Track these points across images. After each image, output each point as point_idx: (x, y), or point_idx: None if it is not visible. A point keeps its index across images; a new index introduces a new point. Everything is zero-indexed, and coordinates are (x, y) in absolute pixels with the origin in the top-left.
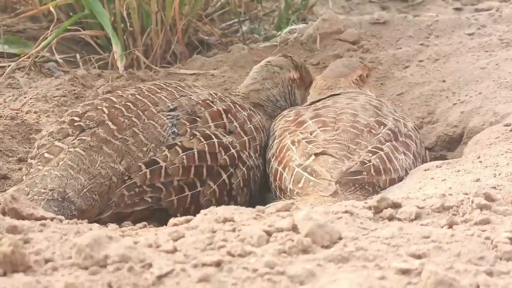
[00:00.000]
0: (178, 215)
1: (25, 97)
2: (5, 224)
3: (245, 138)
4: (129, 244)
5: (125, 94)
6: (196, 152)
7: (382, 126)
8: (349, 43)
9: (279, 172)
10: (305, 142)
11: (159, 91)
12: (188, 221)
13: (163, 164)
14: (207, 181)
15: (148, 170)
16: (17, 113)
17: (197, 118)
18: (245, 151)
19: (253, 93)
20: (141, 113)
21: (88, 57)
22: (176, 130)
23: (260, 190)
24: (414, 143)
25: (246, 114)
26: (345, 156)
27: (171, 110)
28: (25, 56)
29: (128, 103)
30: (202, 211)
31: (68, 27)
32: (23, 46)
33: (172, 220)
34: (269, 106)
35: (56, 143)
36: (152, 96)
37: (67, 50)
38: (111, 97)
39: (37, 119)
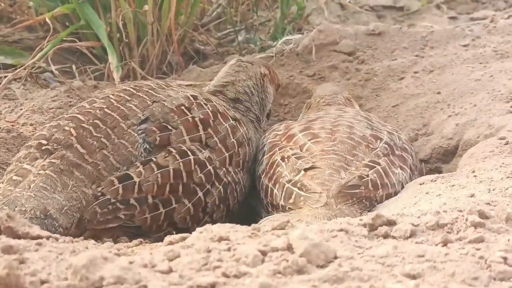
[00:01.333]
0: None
1: (21, 109)
2: (0, 243)
3: (226, 154)
4: (124, 265)
5: (93, 109)
6: (171, 170)
7: (379, 141)
8: (344, 54)
9: (269, 188)
10: (295, 158)
11: (129, 98)
12: (183, 239)
13: (137, 180)
14: (181, 198)
15: (121, 186)
16: (13, 125)
17: (169, 126)
18: (223, 168)
19: (229, 86)
20: (110, 132)
21: (84, 68)
22: (147, 146)
23: (247, 199)
24: (410, 156)
25: (228, 127)
26: (342, 167)
27: (142, 122)
28: (21, 67)
29: (97, 121)
30: (198, 229)
31: (64, 38)
32: (19, 57)
33: (168, 238)
34: (246, 101)
35: (24, 165)
36: (121, 107)
37: (63, 60)
38: (78, 115)
39: (33, 131)
